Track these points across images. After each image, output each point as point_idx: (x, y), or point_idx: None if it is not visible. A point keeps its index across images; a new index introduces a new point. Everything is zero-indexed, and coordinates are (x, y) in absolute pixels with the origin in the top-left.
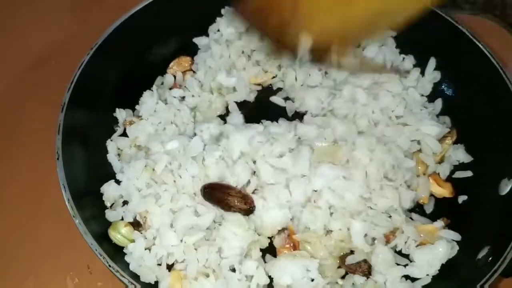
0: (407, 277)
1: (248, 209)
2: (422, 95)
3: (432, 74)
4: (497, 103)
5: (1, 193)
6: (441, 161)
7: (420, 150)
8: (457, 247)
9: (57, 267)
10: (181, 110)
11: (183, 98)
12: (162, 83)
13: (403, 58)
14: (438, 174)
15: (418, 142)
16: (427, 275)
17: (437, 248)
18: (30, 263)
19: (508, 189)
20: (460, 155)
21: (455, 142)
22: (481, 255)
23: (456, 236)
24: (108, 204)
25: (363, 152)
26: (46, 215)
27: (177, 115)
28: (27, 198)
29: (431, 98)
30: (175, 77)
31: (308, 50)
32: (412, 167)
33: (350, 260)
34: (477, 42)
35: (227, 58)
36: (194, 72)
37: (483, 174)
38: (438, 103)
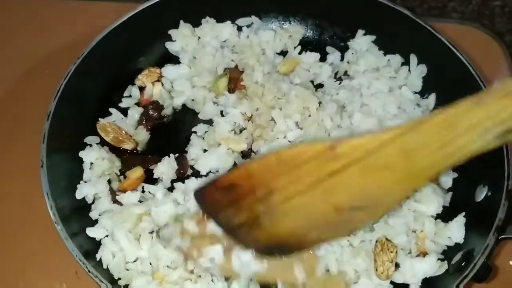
0: None
1: None
2: (415, 93)
3: (418, 69)
4: None
5: None
6: None
7: None
8: (445, 267)
9: (45, 272)
10: None
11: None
12: (130, 95)
13: (388, 60)
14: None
15: None
16: (408, 284)
17: (426, 261)
18: (18, 268)
19: (483, 196)
20: None
21: None
22: (454, 260)
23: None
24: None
25: None
26: (34, 220)
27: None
28: (16, 204)
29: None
30: (142, 88)
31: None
32: None
33: None
34: (455, 51)
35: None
36: (162, 84)
37: (461, 180)
38: (432, 98)
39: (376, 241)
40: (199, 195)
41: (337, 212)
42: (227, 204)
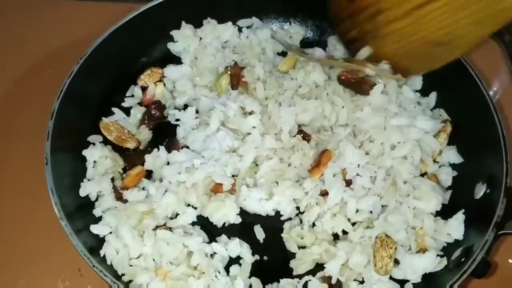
0: None
1: None
2: (416, 91)
3: None
4: (473, 111)
5: None
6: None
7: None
8: (445, 262)
9: (48, 270)
10: None
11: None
12: (133, 95)
13: None
14: (436, 176)
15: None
16: (408, 281)
17: (426, 257)
18: (21, 266)
19: (482, 193)
20: (452, 156)
21: (448, 143)
22: (454, 256)
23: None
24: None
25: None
26: (38, 219)
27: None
28: (19, 202)
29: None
30: (144, 88)
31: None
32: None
33: None
34: None
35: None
36: (164, 84)
37: (460, 178)
38: (432, 96)
39: (376, 237)
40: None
41: (422, 43)
42: (346, 15)
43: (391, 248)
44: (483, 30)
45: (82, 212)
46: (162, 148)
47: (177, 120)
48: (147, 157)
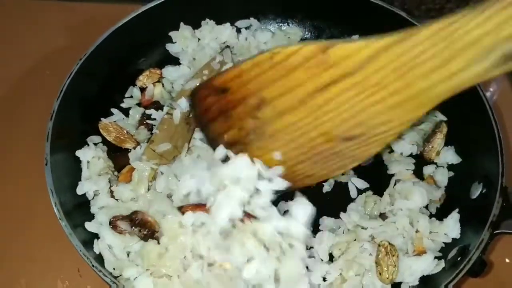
0: None
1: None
2: None
3: None
4: (469, 111)
5: None
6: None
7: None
8: (442, 265)
9: (47, 270)
10: None
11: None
12: (132, 96)
13: None
14: (432, 177)
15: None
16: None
17: (424, 260)
18: (20, 266)
19: (478, 193)
20: (450, 156)
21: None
22: (450, 256)
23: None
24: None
25: None
26: (37, 219)
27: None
28: (18, 202)
29: None
30: (143, 89)
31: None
32: None
33: None
34: None
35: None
36: (163, 85)
37: (456, 178)
38: None
39: (379, 245)
40: (193, 97)
41: (327, 140)
42: (218, 112)
43: (393, 255)
44: (401, 117)
45: (81, 212)
46: (143, 145)
47: (154, 119)
48: (130, 155)
